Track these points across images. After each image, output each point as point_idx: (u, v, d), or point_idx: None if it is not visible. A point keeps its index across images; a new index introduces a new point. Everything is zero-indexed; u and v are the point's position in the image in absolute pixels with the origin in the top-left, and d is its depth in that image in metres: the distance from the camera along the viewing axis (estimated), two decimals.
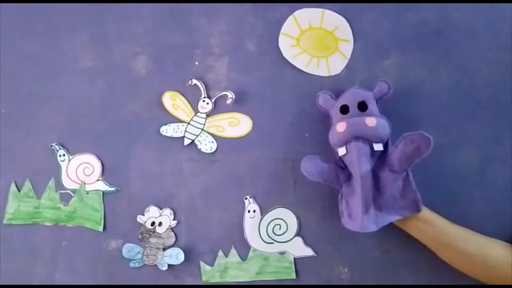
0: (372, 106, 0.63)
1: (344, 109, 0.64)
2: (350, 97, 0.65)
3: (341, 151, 0.63)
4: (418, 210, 0.60)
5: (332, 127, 0.65)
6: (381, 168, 0.62)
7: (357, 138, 0.61)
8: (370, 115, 0.62)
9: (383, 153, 0.62)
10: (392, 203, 0.61)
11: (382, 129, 0.61)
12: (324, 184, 0.65)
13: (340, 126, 0.62)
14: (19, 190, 0.73)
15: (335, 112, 0.65)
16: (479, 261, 0.58)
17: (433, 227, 0.61)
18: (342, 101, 0.65)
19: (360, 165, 0.60)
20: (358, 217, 0.59)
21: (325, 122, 0.68)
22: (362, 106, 0.63)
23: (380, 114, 0.63)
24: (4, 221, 0.73)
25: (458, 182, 0.68)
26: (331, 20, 0.71)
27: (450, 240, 0.60)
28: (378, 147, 0.61)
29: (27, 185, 0.73)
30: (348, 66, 0.71)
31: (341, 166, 0.65)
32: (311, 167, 0.64)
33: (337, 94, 0.67)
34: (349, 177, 0.63)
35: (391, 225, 0.61)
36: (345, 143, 0.62)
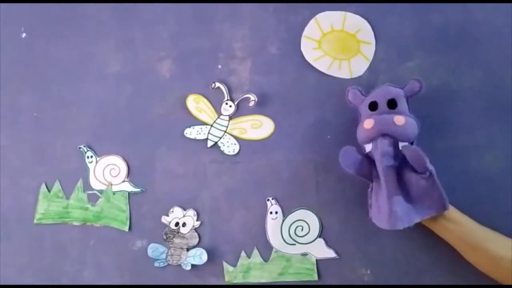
0: (402, 104, 0.62)
1: (373, 106, 0.63)
2: (380, 94, 0.63)
3: (368, 147, 0.62)
4: (444, 208, 0.60)
5: (360, 123, 0.64)
6: (406, 168, 0.61)
7: (384, 135, 0.60)
8: (400, 113, 0.61)
9: None
10: (417, 202, 0.60)
11: (411, 129, 0.61)
12: (356, 176, 0.64)
13: (368, 123, 0.61)
14: (49, 191, 0.76)
15: (363, 108, 0.64)
16: (506, 264, 0.57)
17: (461, 227, 0.60)
18: (371, 97, 0.64)
19: (383, 163, 0.60)
20: (385, 214, 0.59)
21: (347, 124, 0.69)
22: (392, 104, 0.62)
23: (409, 113, 0.62)
24: (35, 221, 0.76)
25: (483, 184, 0.67)
26: (353, 22, 0.72)
27: (478, 241, 0.59)
28: (403, 146, 0.60)
29: (57, 186, 0.76)
30: (370, 68, 0.71)
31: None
32: (348, 157, 0.63)
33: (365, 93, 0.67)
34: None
35: (414, 227, 0.61)
36: (372, 140, 0.62)
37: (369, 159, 0.64)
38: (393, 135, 0.60)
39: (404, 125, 0.60)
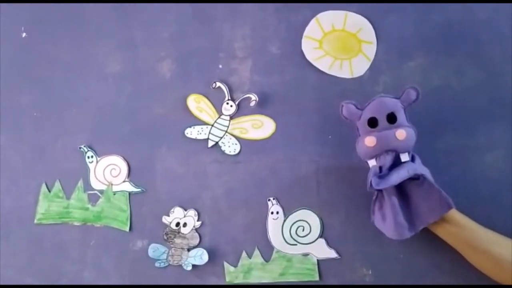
0: (400, 115, 0.60)
1: (373, 122, 0.61)
2: (378, 109, 0.61)
3: (371, 163, 0.62)
4: (449, 207, 0.59)
5: (359, 138, 0.62)
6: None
7: (387, 151, 0.60)
8: (400, 126, 0.60)
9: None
10: (418, 209, 0.60)
11: (410, 140, 0.60)
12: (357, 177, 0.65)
13: (370, 141, 0.60)
14: (49, 191, 0.76)
15: (362, 125, 0.62)
16: (508, 266, 0.57)
17: (463, 229, 0.60)
18: (369, 113, 0.61)
19: (391, 178, 0.59)
20: (391, 225, 0.59)
21: (349, 124, 0.68)
22: (391, 118, 0.60)
23: (407, 122, 0.61)
24: (35, 221, 0.75)
25: (484, 184, 0.67)
26: (354, 22, 0.72)
27: (480, 243, 0.59)
28: (405, 157, 0.60)
29: (57, 186, 0.76)
30: (371, 68, 0.71)
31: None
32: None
33: (360, 96, 0.65)
34: None
35: None
36: (375, 156, 0.61)
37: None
38: (395, 149, 0.60)
39: (405, 139, 0.59)
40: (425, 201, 0.60)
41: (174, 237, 0.72)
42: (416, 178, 0.60)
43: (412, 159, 0.62)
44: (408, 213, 0.60)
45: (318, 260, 0.70)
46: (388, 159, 0.60)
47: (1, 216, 0.76)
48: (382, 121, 0.60)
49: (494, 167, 0.68)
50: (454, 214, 0.61)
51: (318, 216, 0.71)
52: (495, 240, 0.59)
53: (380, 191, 0.62)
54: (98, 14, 0.78)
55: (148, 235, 0.73)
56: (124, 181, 0.75)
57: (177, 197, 0.74)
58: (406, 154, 0.60)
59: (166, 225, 0.73)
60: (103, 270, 0.74)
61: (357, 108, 0.62)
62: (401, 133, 0.59)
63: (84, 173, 0.75)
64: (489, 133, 0.68)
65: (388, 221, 0.60)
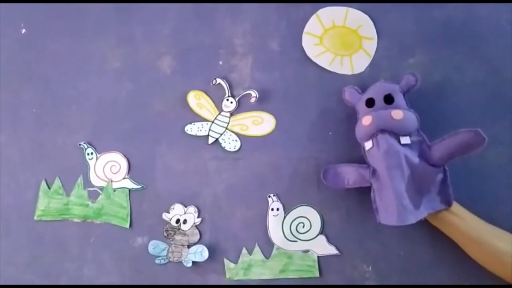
0: (399, 99, 0.62)
1: (370, 103, 0.63)
2: (376, 90, 0.64)
3: (368, 145, 0.62)
4: (449, 204, 0.60)
5: (358, 121, 0.64)
6: (416, 161, 0.60)
7: (383, 131, 0.60)
8: (397, 107, 0.61)
9: (420, 146, 0.61)
10: (427, 196, 0.60)
11: (409, 122, 0.60)
12: (353, 187, 0.65)
13: (366, 120, 0.62)
14: (49, 188, 0.76)
15: (361, 106, 0.65)
16: (508, 260, 0.57)
17: (465, 221, 0.60)
18: (368, 94, 0.64)
19: (386, 158, 0.59)
20: (394, 210, 0.58)
21: (349, 120, 0.68)
22: (388, 99, 0.62)
23: (407, 107, 0.62)
24: (35, 218, 0.75)
25: (485, 181, 0.67)
26: (355, 18, 0.71)
27: (481, 236, 0.59)
28: (405, 140, 0.60)
29: (57, 183, 0.76)
30: (372, 64, 0.71)
31: (364, 163, 0.65)
32: (331, 178, 0.66)
33: (361, 91, 0.67)
34: (374, 171, 0.62)
35: (416, 223, 0.60)
36: (371, 136, 0.61)
37: (352, 167, 0.65)
38: (392, 130, 0.60)
39: (402, 119, 0.60)
40: (439, 191, 0.61)
41: (174, 234, 0.72)
42: (438, 166, 0.60)
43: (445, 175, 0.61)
44: (416, 199, 0.60)
45: (318, 257, 0.70)
46: (385, 140, 0.60)
47: (1, 213, 0.76)
48: (379, 101, 0.63)
49: (495, 163, 0.67)
50: (456, 206, 0.61)
51: (319, 213, 0.70)
52: (496, 234, 0.60)
53: (375, 183, 0.62)
54: (98, 10, 0.78)
55: (148, 232, 0.73)
56: (124, 178, 0.75)
57: (177, 193, 0.73)
58: (407, 137, 0.60)
59: (166, 222, 0.73)
60: (103, 266, 0.74)
61: (358, 92, 0.66)
62: (397, 113, 0.60)
63: (84, 169, 0.75)
64: (490, 129, 0.67)
65: (390, 208, 0.59)
